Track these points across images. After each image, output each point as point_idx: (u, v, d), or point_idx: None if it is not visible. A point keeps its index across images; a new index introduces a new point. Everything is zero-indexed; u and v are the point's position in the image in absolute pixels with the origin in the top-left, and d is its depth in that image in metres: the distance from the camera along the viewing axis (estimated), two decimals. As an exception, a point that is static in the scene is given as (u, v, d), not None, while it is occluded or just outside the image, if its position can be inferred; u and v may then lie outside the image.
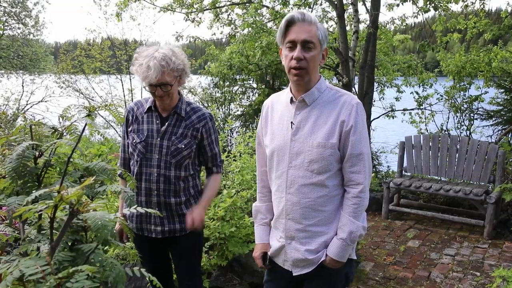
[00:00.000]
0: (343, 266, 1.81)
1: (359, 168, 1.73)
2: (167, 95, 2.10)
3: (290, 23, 1.70)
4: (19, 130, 1.29)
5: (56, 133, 1.39)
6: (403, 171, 5.79)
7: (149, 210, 1.07)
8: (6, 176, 1.25)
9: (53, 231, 0.98)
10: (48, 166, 1.27)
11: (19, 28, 14.05)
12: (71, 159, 1.33)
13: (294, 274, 1.87)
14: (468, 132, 7.11)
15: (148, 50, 2.05)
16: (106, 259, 0.98)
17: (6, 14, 13.24)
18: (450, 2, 6.21)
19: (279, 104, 1.89)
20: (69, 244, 1.03)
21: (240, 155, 4.13)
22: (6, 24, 13.27)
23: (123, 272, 1.00)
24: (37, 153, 1.26)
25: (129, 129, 2.23)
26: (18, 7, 13.93)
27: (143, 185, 2.18)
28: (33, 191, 1.23)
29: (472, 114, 7.14)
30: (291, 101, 1.82)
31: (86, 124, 1.07)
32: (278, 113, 1.87)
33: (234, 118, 8.34)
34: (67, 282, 0.83)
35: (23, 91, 13.49)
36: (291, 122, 1.79)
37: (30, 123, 1.25)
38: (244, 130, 8.09)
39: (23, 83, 13.78)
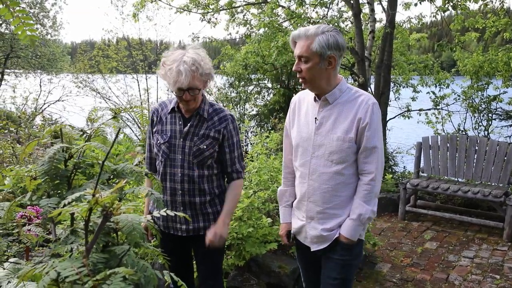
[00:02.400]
0: (356, 245, 2.04)
1: (372, 159, 1.96)
2: (194, 99, 2.14)
3: (294, 40, 1.96)
4: (49, 132, 1.32)
5: (85, 135, 1.42)
6: (420, 172, 5.73)
7: (178, 213, 1.09)
8: (38, 177, 1.28)
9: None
10: (78, 168, 1.30)
11: (37, 29, 14.26)
12: (99, 161, 1.36)
13: (312, 250, 2.10)
14: (486, 132, 7.01)
15: (175, 54, 2.06)
16: (138, 262, 1.00)
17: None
18: (470, 1, 6.12)
19: (305, 101, 2.12)
20: (101, 245, 1.05)
21: (257, 156, 4.14)
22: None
23: (154, 274, 1.02)
24: (67, 156, 1.29)
25: (154, 130, 2.27)
26: (37, 7, 14.19)
27: (168, 185, 2.22)
28: (64, 193, 1.26)
29: (490, 114, 7.04)
30: (315, 99, 2.05)
31: (120, 129, 1.09)
32: (304, 109, 2.11)
33: (249, 118, 8.35)
34: (103, 284, 0.85)
35: (40, 91, 13.72)
36: (315, 118, 2.02)
37: (60, 126, 1.28)
38: (259, 130, 8.08)
39: (40, 82, 14.01)
